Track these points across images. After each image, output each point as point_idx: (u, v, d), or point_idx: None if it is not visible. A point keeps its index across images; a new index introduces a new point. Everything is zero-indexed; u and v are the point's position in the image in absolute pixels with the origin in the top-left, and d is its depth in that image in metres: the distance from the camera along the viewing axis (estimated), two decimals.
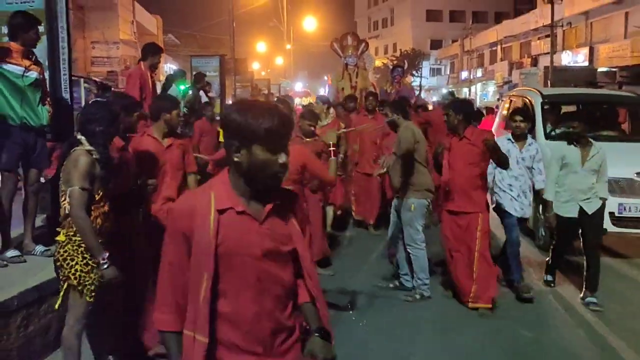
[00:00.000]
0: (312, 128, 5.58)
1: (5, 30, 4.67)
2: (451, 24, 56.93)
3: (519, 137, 5.68)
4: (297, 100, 25.05)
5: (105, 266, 3.30)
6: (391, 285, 5.82)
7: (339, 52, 11.01)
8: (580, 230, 5.50)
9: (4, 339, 3.80)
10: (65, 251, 3.33)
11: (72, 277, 3.31)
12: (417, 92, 30.20)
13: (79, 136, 3.41)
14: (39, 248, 4.79)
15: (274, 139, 1.83)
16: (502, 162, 5.20)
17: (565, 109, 8.70)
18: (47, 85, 4.79)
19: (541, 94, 8.08)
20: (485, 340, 4.69)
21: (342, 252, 7.07)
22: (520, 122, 5.66)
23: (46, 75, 4.82)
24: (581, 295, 5.48)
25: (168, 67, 45.60)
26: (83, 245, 3.32)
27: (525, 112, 5.86)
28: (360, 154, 7.74)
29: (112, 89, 9.09)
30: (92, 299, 3.38)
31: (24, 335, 4.02)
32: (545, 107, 7.74)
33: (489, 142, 5.01)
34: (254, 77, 24.01)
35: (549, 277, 5.94)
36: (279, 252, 1.91)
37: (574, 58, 30.63)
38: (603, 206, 5.49)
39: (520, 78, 32.73)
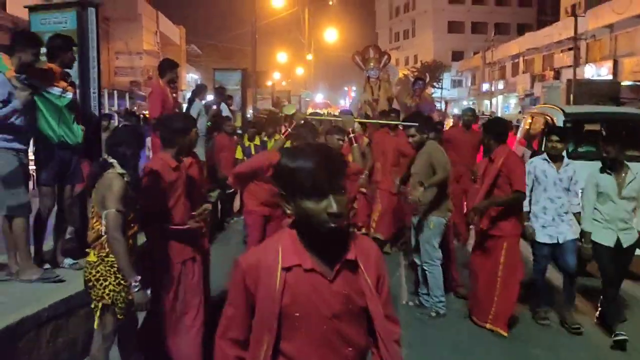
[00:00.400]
0: (341, 142, 5.61)
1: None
2: (473, 36, 56.85)
3: (555, 158, 5.29)
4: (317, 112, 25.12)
5: (137, 289, 3.38)
6: (410, 303, 5.84)
7: (360, 65, 10.86)
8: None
9: (34, 351, 3.91)
10: (98, 272, 3.42)
11: (107, 297, 3.41)
12: (437, 105, 29.83)
13: (110, 159, 3.50)
14: (68, 261, 4.93)
15: (315, 185, 1.64)
16: (513, 203, 5.08)
17: (588, 126, 8.59)
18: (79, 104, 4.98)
19: (563, 111, 7.96)
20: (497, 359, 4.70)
21: None
22: (557, 142, 5.25)
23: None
24: (596, 315, 5.29)
25: (190, 76, 46.30)
26: (116, 265, 3.41)
27: (562, 131, 5.46)
28: (382, 173, 7.63)
29: (140, 114, 9.29)
30: (122, 317, 3.48)
31: (53, 347, 4.12)
32: (568, 125, 7.60)
33: (477, 211, 5.05)
34: (275, 89, 24.20)
35: (620, 335, 4.85)
36: (350, 312, 1.74)
37: (597, 71, 30.38)
38: (639, 240, 5.10)
39: (543, 91, 32.56)
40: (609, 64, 29.45)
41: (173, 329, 4.01)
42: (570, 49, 32.14)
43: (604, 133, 8.55)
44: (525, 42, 41.71)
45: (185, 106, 8.97)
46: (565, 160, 5.34)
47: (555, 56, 37.61)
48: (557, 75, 35.07)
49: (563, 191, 5.23)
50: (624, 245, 4.98)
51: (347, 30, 44.54)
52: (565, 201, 5.22)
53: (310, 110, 28.80)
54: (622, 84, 25.61)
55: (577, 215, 5.27)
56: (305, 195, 1.66)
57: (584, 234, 5.09)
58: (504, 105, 45.02)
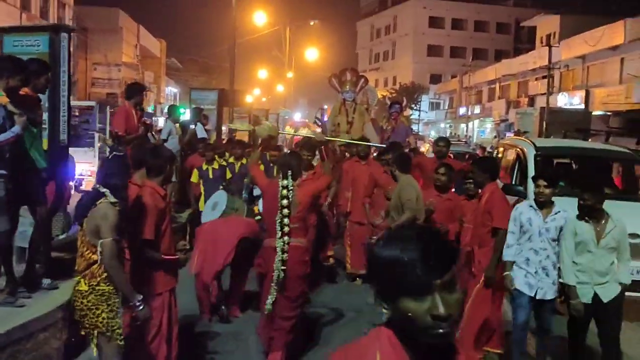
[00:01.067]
0: (310, 158, 5.79)
1: None
2: (451, 60, 57.75)
3: (543, 205, 4.77)
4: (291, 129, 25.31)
5: (141, 307, 3.57)
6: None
7: (337, 88, 10.61)
8: (595, 320, 4.66)
9: None
10: (89, 301, 3.50)
11: (101, 325, 3.49)
12: (415, 127, 29.83)
13: (102, 189, 3.58)
14: (46, 281, 4.98)
15: (416, 279, 1.35)
16: (501, 245, 4.90)
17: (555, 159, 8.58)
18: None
19: (535, 145, 7.91)
20: None
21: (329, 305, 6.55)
22: (545, 187, 4.72)
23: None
24: None
25: (169, 90, 46.15)
26: (107, 294, 3.51)
27: (551, 175, 4.91)
28: (352, 202, 7.36)
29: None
30: (122, 342, 3.58)
31: None
32: (538, 159, 7.56)
33: (491, 279, 4.91)
34: (252, 108, 24.28)
35: None
36: None
37: (570, 100, 31.08)
38: (623, 293, 4.57)
39: (517, 117, 33.17)
40: (581, 94, 30.14)
41: (156, 356, 4.05)
42: (544, 77, 32.88)
43: (573, 167, 8.71)
44: (502, 68, 42.52)
45: (161, 121, 8.98)
46: (556, 207, 4.81)
47: (530, 83, 38.38)
48: (532, 102, 35.79)
49: (549, 242, 4.72)
50: (605, 301, 4.52)
51: (328, 50, 44.94)
52: (552, 253, 4.72)
53: (288, 129, 28.84)
54: (593, 113, 26.32)
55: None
56: (404, 293, 1.36)
57: (568, 287, 4.60)
58: (479, 130, 45.69)
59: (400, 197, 5.46)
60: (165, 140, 8.53)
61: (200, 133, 10.16)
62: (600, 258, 4.51)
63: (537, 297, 4.71)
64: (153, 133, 8.87)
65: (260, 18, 27.39)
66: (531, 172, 7.36)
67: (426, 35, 59.05)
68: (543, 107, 28.19)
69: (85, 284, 3.50)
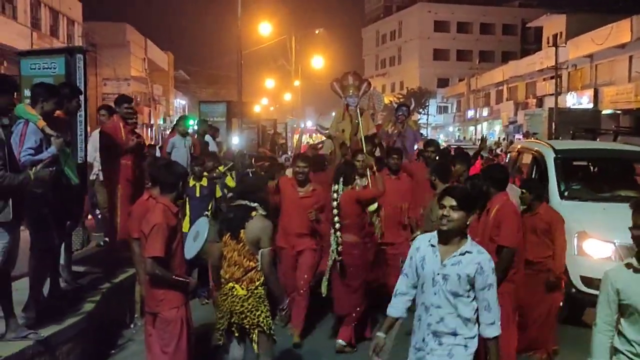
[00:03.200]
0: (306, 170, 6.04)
1: (27, 93, 4.96)
2: (458, 63, 57.72)
3: (447, 238, 3.13)
4: (304, 138, 25.42)
5: (284, 312, 4.04)
6: None
7: (339, 93, 10.24)
8: None
9: None
10: (249, 303, 3.92)
11: (262, 325, 3.93)
12: (424, 131, 29.62)
13: (253, 204, 4.01)
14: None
15: None
16: (507, 264, 4.46)
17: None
18: None
19: (554, 148, 7.55)
20: None
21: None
22: (452, 209, 3.07)
23: None
24: None
25: (178, 102, 46.44)
26: (263, 296, 3.96)
27: (465, 193, 3.24)
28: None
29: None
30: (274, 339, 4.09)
31: None
32: (558, 162, 7.18)
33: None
34: (261, 118, 24.47)
35: None
36: None
37: (578, 100, 30.96)
38: None
39: (525, 119, 33.09)
40: (589, 93, 30.02)
41: None
42: (552, 78, 32.76)
43: (592, 170, 8.45)
44: (509, 70, 42.37)
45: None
46: (467, 244, 3.13)
47: (538, 84, 38.23)
48: (540, 103, 35.64)
49: (446, 297, 3.10)
50: None
51: (334, 57, 44.96)
52: (453, 316, 3.11)
53: (296, 137, 28.81)
54: (603, 112, 26.19)
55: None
56: None
57: None
58: (489, 132, 45.56)
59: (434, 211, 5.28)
60: (169, 154, 8.43)
61: (211, 145, 10.16)
62: None
63: None
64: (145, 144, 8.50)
65: (265, 28, 27.56)
66: (552, 177, 7.10)
67: (432, 40, 59.04)
68: (552, 108, 28.11)
69: (243, 288, 3.90)
